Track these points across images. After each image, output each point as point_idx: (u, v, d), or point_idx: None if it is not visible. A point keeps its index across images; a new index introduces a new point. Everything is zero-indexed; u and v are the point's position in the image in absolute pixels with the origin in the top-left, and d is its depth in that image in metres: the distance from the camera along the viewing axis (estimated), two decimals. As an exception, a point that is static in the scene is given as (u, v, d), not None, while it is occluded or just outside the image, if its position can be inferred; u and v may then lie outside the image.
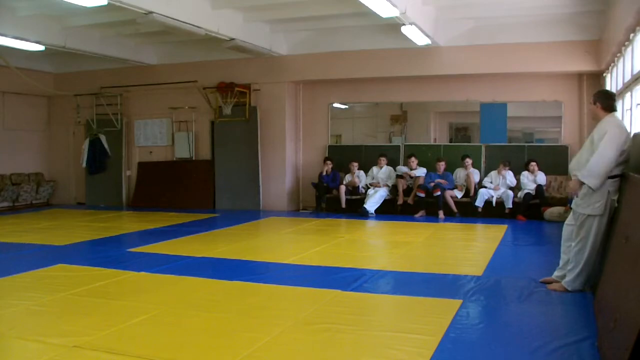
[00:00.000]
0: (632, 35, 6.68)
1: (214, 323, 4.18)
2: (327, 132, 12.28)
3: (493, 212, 10.16)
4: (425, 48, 10.34)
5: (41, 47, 10.19)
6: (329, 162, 11.43)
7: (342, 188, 11.09)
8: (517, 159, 10.56)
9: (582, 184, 4.71)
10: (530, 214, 9.95)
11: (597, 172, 4.59)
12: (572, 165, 5.02)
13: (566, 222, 5.24)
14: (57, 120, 13.73)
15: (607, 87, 9.24)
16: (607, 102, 4.86)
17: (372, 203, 10.73)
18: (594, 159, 4.61)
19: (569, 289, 4.95)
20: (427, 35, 9.53)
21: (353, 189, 11.17)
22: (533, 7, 9.21)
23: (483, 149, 11.03)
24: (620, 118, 7.70)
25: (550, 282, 5.22)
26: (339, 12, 9.54)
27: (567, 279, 5.00)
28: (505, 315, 4.52)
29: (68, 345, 3.67)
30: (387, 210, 10.77)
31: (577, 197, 4.82)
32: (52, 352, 3.55)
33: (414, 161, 10.92)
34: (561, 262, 5.25)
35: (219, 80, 11.89)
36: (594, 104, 4.90)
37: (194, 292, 5.18)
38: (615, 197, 4.74)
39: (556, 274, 5.26)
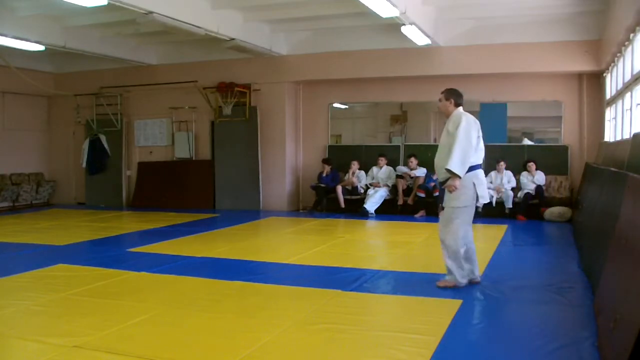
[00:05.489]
0: (632, 35, 6.68)
1: (214, 323, 4.18)
2: (327, 132, 12.27)
3: (493, 212, 10.15)
4: (425, 48, 10.34)
5: (41, 47, 10.19)
6: (326, 165, 11.41)
7: (339, 188, 11.10)
8: (516, 159, 10.56)
9: (458, 178, 4.96)
10: (530, 214, 9.95)
11: (461, 158, 4.91)
12: (437, 162, 5.24)
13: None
14: (57, 120, 13.73)
15: (607, 87, 9.26)
16: (459, 98, 5.28)
17: (372, 203, 10.73)
18: (455, 148, 4.92)
19: (456, 283, 5.10)
20: (427, 35, 9.53)
21: (352, 189, 11.18)
22: (533, 7, 9.21)
23: (483, 149, 11.00)
24: (613, 117, 7.74)
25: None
26: (339, 12, 9.54)
27: (454, 274, 5.11)
28: (505, 315, 4.53)
29: (68, 345, 3.67)
30: (387, 210, 10.77)
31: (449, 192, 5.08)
32: (52, 352, 3.55)
33: (413, 161, 10.91)
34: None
35: (219, 80, 11.89)
36: (447, 100, 5.27)
37: (194, 292, 5.18)
38: (480, 190, 5.03)
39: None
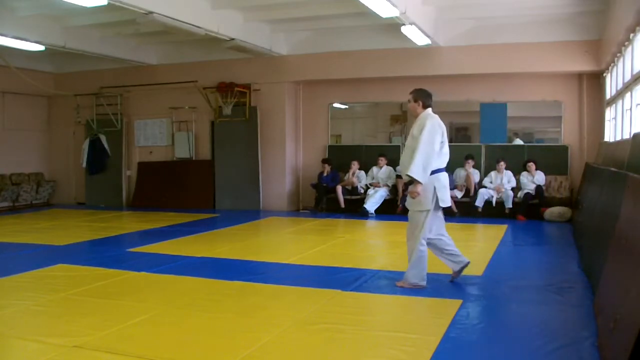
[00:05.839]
0: (632, 35, 6.68)
1: (214, 323, 4.18)
2: (327, 132, 12.28)
3: (493, 212, 10.16)
4: (425, 48, 10.34)
5: (41, 47, 10.19)
6: (326, 165, 11.42)
7: (339, 188, 11.11)
8: (516, 159, 10.57)
9: (417, 183, 4.97)
10: (530, 214, 9.95)
11: (423, 164, 4.92)
12: (402, 164, 5.28)
13: None
14: (57, 120, 13.73)
15: (607, 87, 9.25)
16: (427, 100, 5.22)
17: (372, 203, 10.74)
18: (418, 153, 4.92)
19: (409, 282, 5.15)
20: (427, 35, 9.53)
21: (352, 189, 11.18)
22: (533, 7, 9.21)
23: (483, 149, 11.02)
24: (613, 117, 7.74)
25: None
26: (339, 12, 9.54)
27: (407, 274, 5.17)
28: (505, 315, 4.53)
29: (68, 345, 3.67)
30: (387, 210, 10.77)
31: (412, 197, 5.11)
32: (52, 352, 3.55)
33: (413, 161, 10.89)
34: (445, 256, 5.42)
35: (219, 80, 11.89)
36: (415, 101, 5.21)
37: (194, 292, 5.18)
38: (441, 194, 5.04)
39: (453, 267, 5.39)
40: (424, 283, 5.14)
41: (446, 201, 5.17)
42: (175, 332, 4.00)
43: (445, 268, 5.93)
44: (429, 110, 5.22)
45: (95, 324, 4.10)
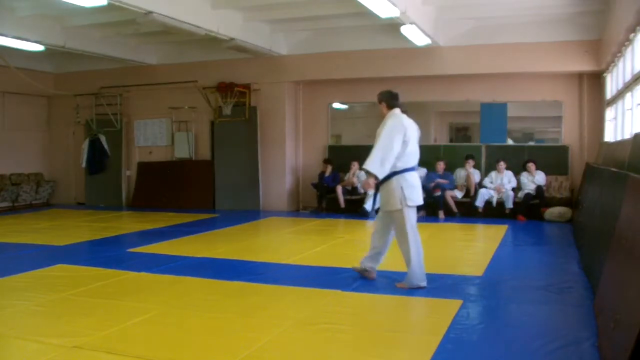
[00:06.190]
0: (632, 35, 6.68)
1: (214, 323, 4.18)
2: (327, 132, 12.28)
3: (493, 212, 10.16)
4: (425, 48, 10.34)
5: (41, 47, 10.19)
6: (328, 165, 11.43)
7: (339, 188, 11.12)
8: (516, 159, 10.56)
9: (374, 178, 5.05)
10: (530, 214, 9.95)
11: (377, 158, 5.02)
12: None
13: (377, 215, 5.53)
14: (57, 120, 13.73)
15: (608, 87, 9.25)
16: (391, 101, 5.32)
17: (372, 203, 10.72)
18: (375, 149, 5.04)
19: (409, 285, 5.14)
20: (427, 35, 9.53)
21: (352, 189, 11.18)
22: (533, 7, 9.21)
23: (483, 149, 11.02)
24: (613, 117, 7.74)
25: (364, 271, 5.44)
26: (339, 12, 9.55)
27: (409, 277, 5.16)
28: (505, 315, 4.53)
29: (68, 345, 3.67)
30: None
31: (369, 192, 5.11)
32: (52, 352, 3.55)
33: (413, 161, 10.90)
34: (370, 252, 5.50)
35: (219, 80, 11.89)
36: (380, 103, 5.34)
37: (194, 292, 5.18)
38: (408, 192, 5.03)
39: (367, 263, 5.46)
40: (424, 283, 5.13)
41: (415, 200, 5.15)
42: (175, 332, 4.00)
43: (445, 268, 5.95)
44: (395, 110, 5.28)
45: (95, 324, 4.10)
